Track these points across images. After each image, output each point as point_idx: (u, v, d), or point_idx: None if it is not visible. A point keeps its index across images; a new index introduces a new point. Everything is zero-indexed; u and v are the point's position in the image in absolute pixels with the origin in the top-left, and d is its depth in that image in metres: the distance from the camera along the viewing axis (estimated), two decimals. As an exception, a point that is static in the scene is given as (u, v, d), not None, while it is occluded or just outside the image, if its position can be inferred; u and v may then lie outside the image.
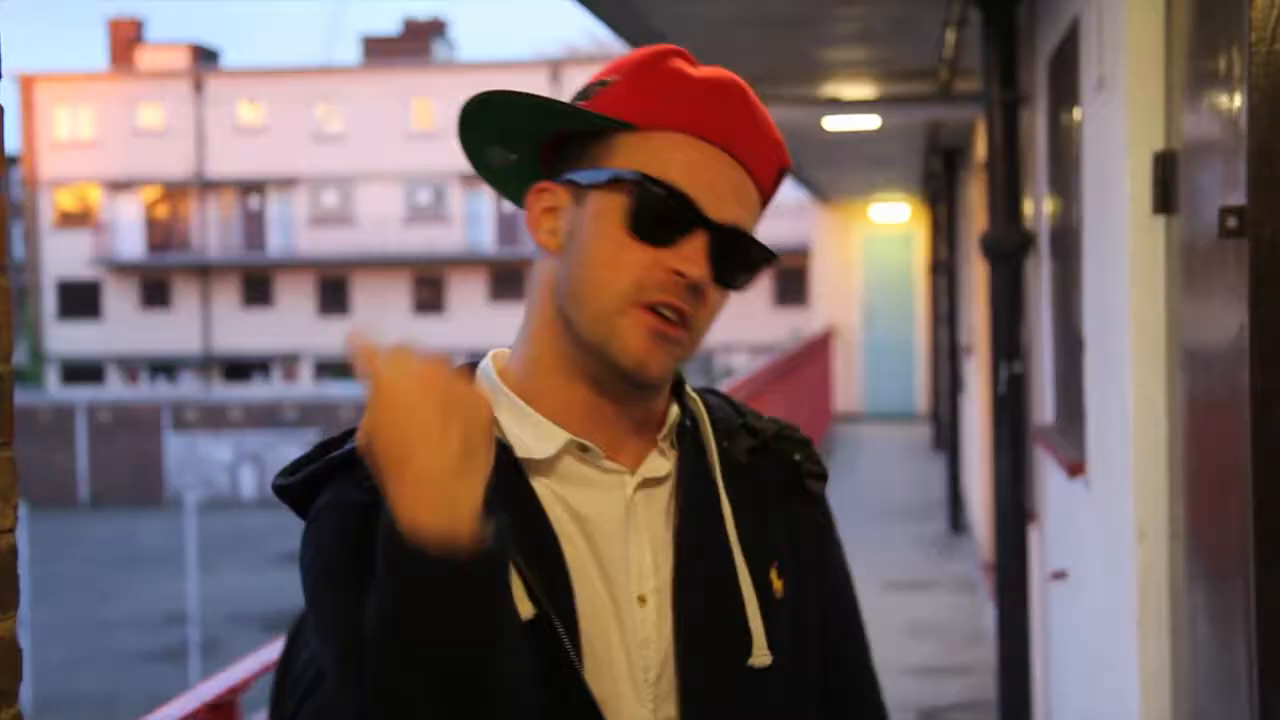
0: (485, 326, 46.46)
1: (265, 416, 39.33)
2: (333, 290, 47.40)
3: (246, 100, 47.48)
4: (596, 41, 54.95)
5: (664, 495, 1.44)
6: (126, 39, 50.30)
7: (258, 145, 47.01)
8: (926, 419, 20.50)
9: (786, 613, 1.46)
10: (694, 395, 1.50)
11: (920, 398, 22.88)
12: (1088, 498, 4.61)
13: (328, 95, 47.08)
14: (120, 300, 47.83)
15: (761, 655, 1.42)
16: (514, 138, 1.44)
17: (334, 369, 46.48)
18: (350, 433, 1.39)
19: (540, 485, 1.40)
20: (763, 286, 45.65)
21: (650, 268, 1.36)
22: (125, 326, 47.41)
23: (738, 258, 1.40)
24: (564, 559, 1.37)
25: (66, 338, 47.30)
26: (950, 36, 6.87)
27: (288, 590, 27.22)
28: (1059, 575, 5.35)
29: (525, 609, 1.32)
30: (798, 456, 1.51)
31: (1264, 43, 2.58)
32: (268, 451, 38.94)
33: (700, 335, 1.40)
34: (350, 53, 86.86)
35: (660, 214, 1.36)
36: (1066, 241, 5.35)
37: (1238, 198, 2.70)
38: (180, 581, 27.61)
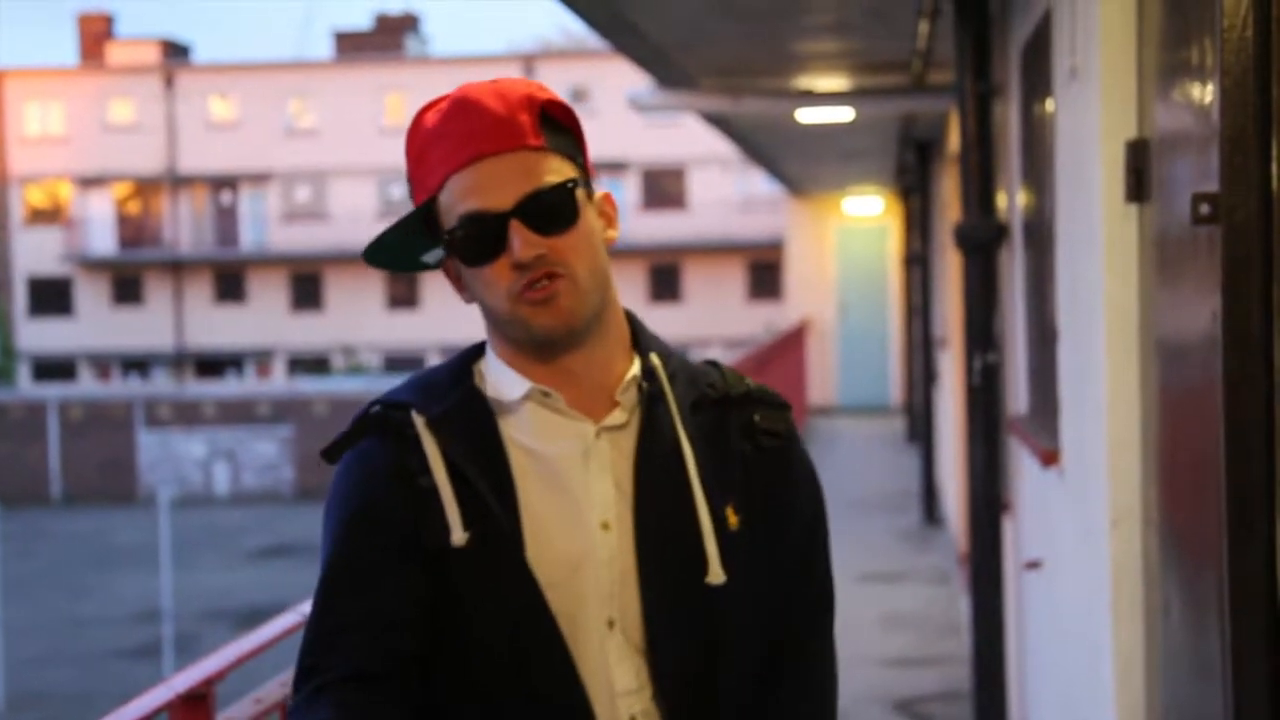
0: (458, 321, 46.38)
1: (238, 412, 39.18)
2: (306, 286, 47.25)
3: (218, 95, 47.28)
4: (569, 35, 54.92)
5: (628, 439, 1.74)
6: (96, 34, 50.02)
7: (230, 140, 46.83)
8: (901, 411, 20.55)
9: (742, 542, 1.73)
10: (656, 355, 1.77)
11: (895, 390, 22.94)
12: (1062, 487, 4.63)
13: (300, 90, 46.91)
14: (92, 297, 47.60)
15: (716, 574, 1.70)
16: (412, 248, 1.79)
17: (307, 365, 46.35)
18: (374, 402, 1.75)
19: (508, 428, 1.72)
20: (737, 280, 45.71)
21: (503, 274, 1.69)
22: (97, 323, 47.19)
23: (546, 212, 1.68)
24: (514, 487, 1.68)
25: (38, 334, 47.05)
26: (923, 28, 6.88)
27: (262, 586, 27.13)
28: (1033, 565, 5.36)
29: (458, 534, 1.65)
30: (757, 417, 1.79)
31: (1235, 29, 2.59)
32: (241, 448, 38.80)
33: (578, 272, 1.68)
34: (323, 48, 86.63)
35: (473, 240, 1.69)
36: (1040, 232, 5.36)
37: (1210, 185, 2.71)
38: (154, 578, 27.50)
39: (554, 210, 1.69)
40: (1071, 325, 4.40)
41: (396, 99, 46.67)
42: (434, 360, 42.00)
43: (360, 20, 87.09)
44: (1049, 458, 4.77)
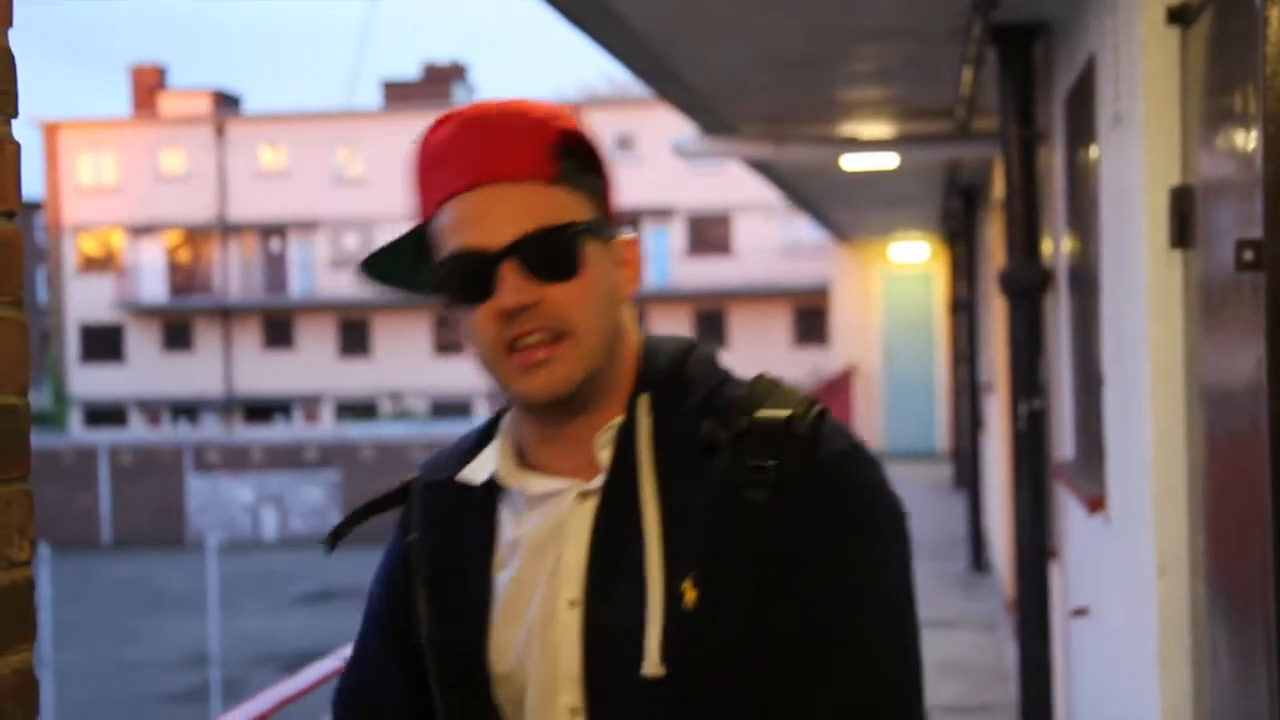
0: (506, 367, 46.55)
1: (286, 458, 39.39)
2: (353, 332, 47.53)
3: (268, 144, 47.77)
4: (614, 84, 55.22)
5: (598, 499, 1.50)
6: (149, 85, 50.69)
7: (279, 189, 47.28)
8: (948, 457, 20.44)
9: (696, 624, 1.42)
10: (645, 399, 1.51)
11: (941, 436, 22.82)
12: (1108, 534, 4.60)
13: (348, 139, 47.35)
14: (142, 343, 48.04)
15: (652, 665, 1.42)
16: (411, 270, 1.56)
17: (355, 410, 46.56)
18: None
19: (504, 513, 1.55)
20: (783, 326, 45.66)
21: (490, 320, 1.45)
22: (147, 369, 47.61)
23: (544, 256, 1.45)
24: (487, 573, 1.53)
25: (89, 380, 47.50)
26: (967, 75, 6.89)
27: (309, 631, 27.19)
28: (1080, 612, 5.32)
29: (424, 632, 1.55)
30: (747, 458, 1.44)
31: (1278, 77, 2.59)
32: (288, 492, 38.98)
33: (580, 330, 1.45)
34: (371, 97, 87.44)
35: (459, 279, 1.47)
36: (1085, 277, 5.35)
37: (1254, 231, 2.70)
38: (202, 623, 27.60)
39: (554, 255, 1.45)
40: (1116, 371, 4.38)
41: (444, 147, 47.01)
42: (481, 406, 41.97)
43: (409, 70, 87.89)
44: (1095, 504, 4.74)
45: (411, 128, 46.89)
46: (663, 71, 7.58)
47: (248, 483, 39.17)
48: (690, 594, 1.41)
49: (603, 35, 6.64)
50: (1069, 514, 5.91)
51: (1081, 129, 5.36)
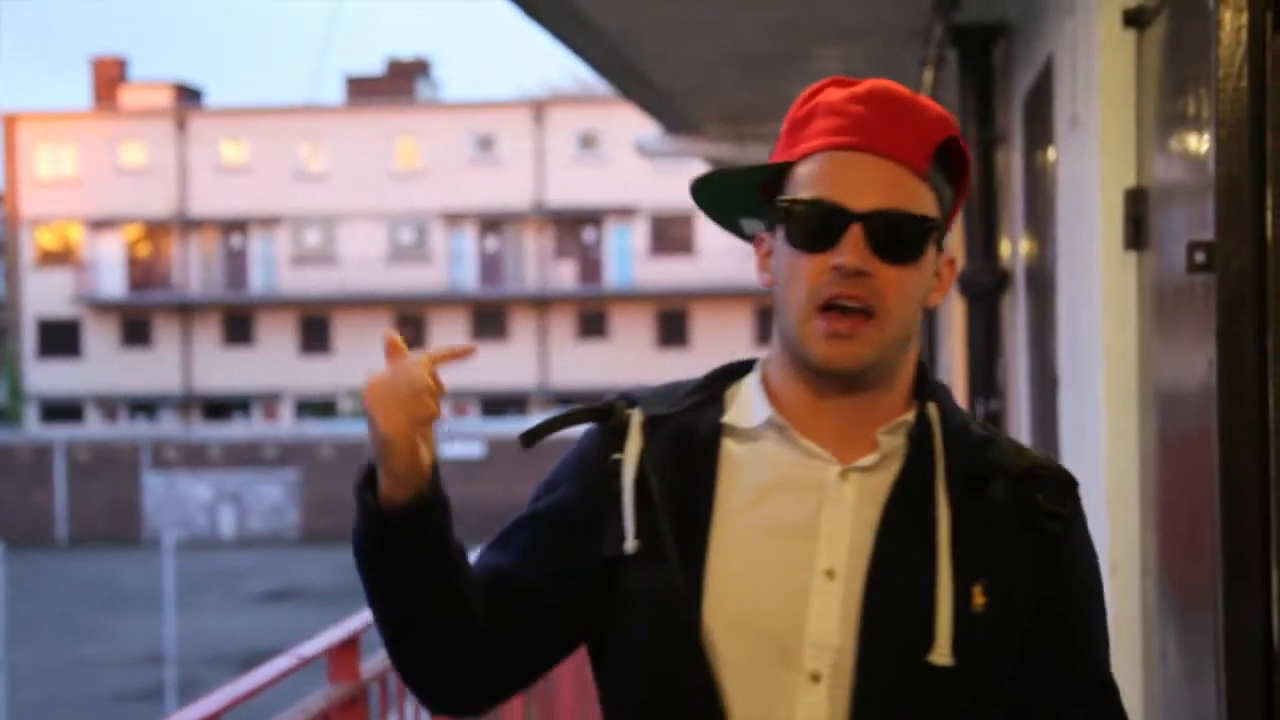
0: (466, 365, 46.34)
1: (245, 455, 39.19)
2: (314, 329, 47.35)
3: (230, 139, 47.54)
4: (579, 81, 55.19)
5: (881, 484, 1.57)
6: (110, 78, 50.35)
7: (240, 184, 47.05)
8: (907, 459, 20.48)
9: (983, 626, 1.54)
10: (935, 408, 1.60)
11: (901, 437, 22.88)
12: (1063, 535, 4.62)
13: (311, 134, 47.16)
14: (100, 339, 47.73)
15: (942, 654, 1.52)
16: (738, 201, 1.64)
17: (315, 408, 46.38)
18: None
19: (736, 453, 1.59)
20: (745, 326, 45.75)
21: (818, 272, 1.53)
22: (105, 365, 47.29)
23: (892, 235, 1.53)
24: (710, 512, 1.56)
25: (46, 376, 47.14)
26: (928, 76, 6.92)
27: (266, 630, 27.06)
28: (1035, 613, 5.35)
29: (630, 543, 1.56)
30: (1039, 497, 1.59)
31: (1230, 79, 2.61)
32: (247, 490, 38.79)
33: (890, 316, 1.54)
34: (334, 92, 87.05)
35: (808, 223, 1.54)
36: (1042, 279, 5.37)
37: (1206, 234, 2.72)
38: (158, 621, 27.43)
39: (901, 237, 1.54)
40: (1071, 372, 4.40)
41: (407, 143, 46.89)
42: (442, 404, 42.52)
43: (372, 66, 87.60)
44: (1050, 505, 4.77)
45: (375, 124, 46.90)
46: (626, 70, 7.58)
47: (205, 480, 38.96)
48: (980, 598, 1.54)
49: (566, 33, 6.64)
50: (1025, 514, 5.94)
51: (1040, 131, 5.39)
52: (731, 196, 1.64)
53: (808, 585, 1.53)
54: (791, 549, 1.54)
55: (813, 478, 1.56)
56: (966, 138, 6.25)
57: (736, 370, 1.67)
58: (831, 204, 1.53)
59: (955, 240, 10.31)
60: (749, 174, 1.62)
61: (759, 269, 1.63)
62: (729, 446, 1.59)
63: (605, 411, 1.65)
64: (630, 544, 1.56)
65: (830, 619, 1.52)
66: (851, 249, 1.52)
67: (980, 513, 1.56)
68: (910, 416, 1.59)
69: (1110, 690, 1.66)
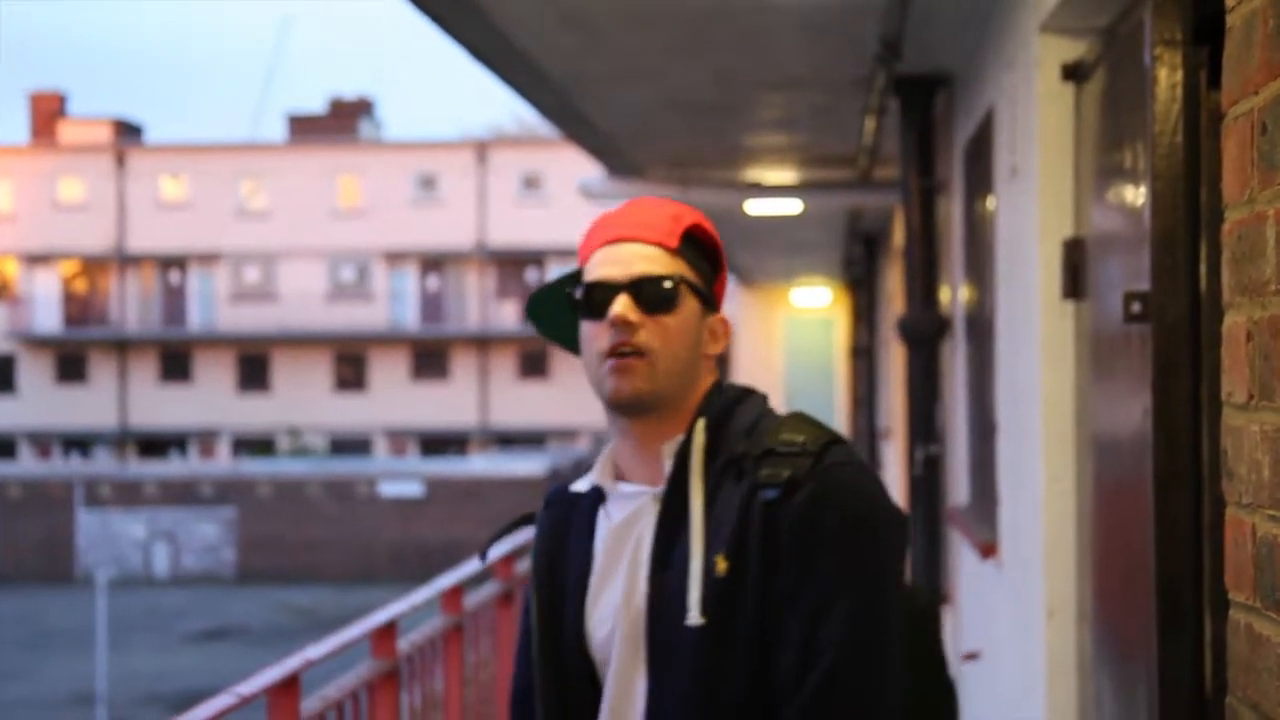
0: (407, 405, 46.18)
1: (181, 493, 38.77)
2: (253, 367, 47.01)
3: (169, 175, 47.24)
4: (522, 123, 55.29)
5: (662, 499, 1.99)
6: (48, 112, 49.95)
7: (180, 220, 46.73)
8: (846, 502, 20.51)
9: (726, 587, 1.88)
10: (704, 420, 1.97)
11: (840, 481, 22.91)
12: (1000, 578, 4.66)
13: (252, 172, 46.95)
14: (34, 374, 47.16)
15: (692, 615, 1.88)
16: (561, 311, 2.08)
17: (252, 446, 45.99)
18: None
19: (600, 512, 2.03)
20: (685, 368, 45.83)
21: (601, 332, 1.96)
22: (39, 401, 46.71)
23: (650, 292, 1.97)
24: (588, 563, 2.01)
25: (-21, 411, 46.49)
26: (870, 124, 7.00)
27: (200, 670, 26.73)
28: (971, 656, 5.38)
29: (535, 605, 2.04)
30: (764, 471, 1.90)
31: (1166, 135, 2.67)
32: (181, 528, 38.36)
33: (659, 356, 1.95)
34: (276, 131, 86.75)
35: (589, 299, 1.98)
36: (981, 326, 5.44)
37: (1142, 284, 2.77)
38: (89, 661, 27.04)
39: (658, 295, 1.96)
40: (1009, 419, 4.45)
41: (349, 181, 46.76)
42: (380, 443, 41.62)
43: (315, 104, 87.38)
44: (987, 550, 4.81)
45: (316, 161, 46.73)
46: (570, 113, 7.62)
47: (140, 518, 38.50)
48: (721, 565, 1.89)
49: (512, 75, 6.66)
50: (962, 559, 5.99)
51: (979, 180, 5.46)
52: (553, 305, 2.08)
53: (633, 591, 1.96)
54: (621, 564, 1.99)
55: (636, 508, 1.98)
56: (907, 185, 6.35)
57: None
58: (603, 281, 1.97)
59: (895, 285, 10.41)
60: (559, 282, 2.06)
61: (582, 352, 2.04)
62: (598, 508, 2.04)
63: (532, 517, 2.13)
64: (535, 604, 2.05)
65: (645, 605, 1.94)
66: (620, 307, 1.94)
67: (728, 495, 1.92)
68: (680, 437, 1.97)
69: (835, 673, 1.83)
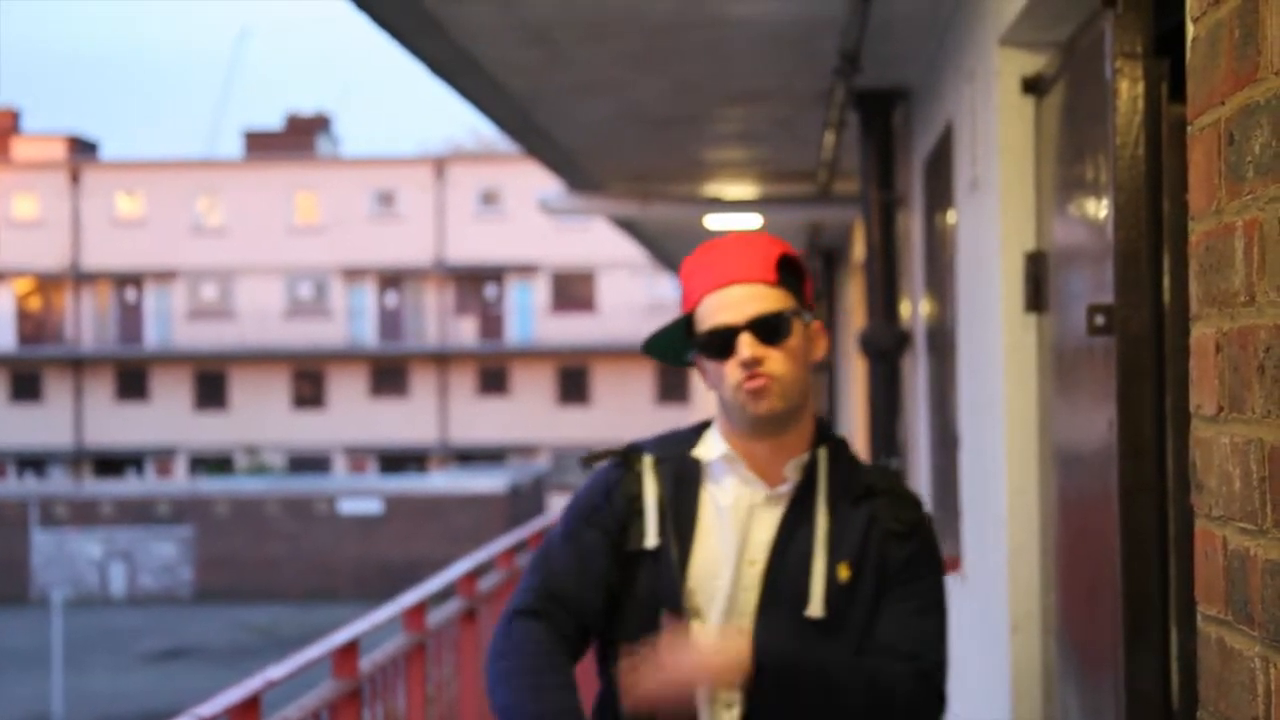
0: (366, 421, 45.98)
1: (137, 512, 38.44)
2: (210, 385, 46.71)
3: (125, 192, 46.94)
4: (480, 139, 55.24)
5: (785, 505, 2.35)
6: (1, 129, 49.56)
7: (136, 237, 46.43)
8: (807, 516, 20.57)
9: (846, 590, 2.29)
10: (826, 448, 2.37)
11: (801, 495, 22.97)
12: (964, 592, 4.66)
13: (209, 188, 46.71)
14: (-11, 393, 46.72)
15: (815, 609, 2.27)
16: (676, 343, 2.44)
17: (210, 464, 45.69)
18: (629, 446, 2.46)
19: (709, 479, 2.37)
20: (646, 384, 45.84)
21: (734, 371, 2.32)
22: (-7, 420, 46.27)
23: (766, 328, 2.32)
24: (694, 525, 2.35)
25: (-69, 431, 46.00)
26: (829, 139, 7.01)
27: (157, 691, 26.48)
28: (936, 671, 5.37)
29: (651, 540, 2.34)
30: (887, 509, 2.34)
31: (1128, 147, 2.67)
32: (138, 548, 38.04)
33: (782, 376, 2.31)
34: (233, 147, 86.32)
35: (714, 343, 2.34)
36: (942, 339, 5.44)
37: (1105, 297, 2.77)
38: (45, 681, 26.75)
39: (773, 328, 2.32)
40: (972, 432, 4.45)
41: (306, 198, 46.58)
42: (339, 461, 41.22)
43: (272, 121, 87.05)
44: (951, 564, 4.80)
45: (273, 178, 46.55)
46: (530, 127, 7.60)
47: (96, 537, 38.15)
48: (844, 572, 2.29)
49: (470, 90, 6.64)
50: (925, 572, 5.98)
51: (939, 193, 5.47)
52: (670, 343, 2.44)
53: (737, 568, 2.32)
54: (728, 544, 2.33)
55: (749, 496, 2.35)
56: (867, 199, 6.35)
57: (703, 425, 2.44)
58: (725, 326, 2.32)
59: (855, 299, 10.44)
60: (674, 327, 2.41)
61: (702, 377, 2.40)
62: (706, 475, 2.38)
63: (623, 455, 2.42)
64: (651, 540, 2.33)
65: (749, 593, 2.30)
66: (746, 347, 2.30)
67: (850, 518, 2.32)
68: (808, 455, 2.36)
69: (923, 673, 2.27)
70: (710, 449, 2.39)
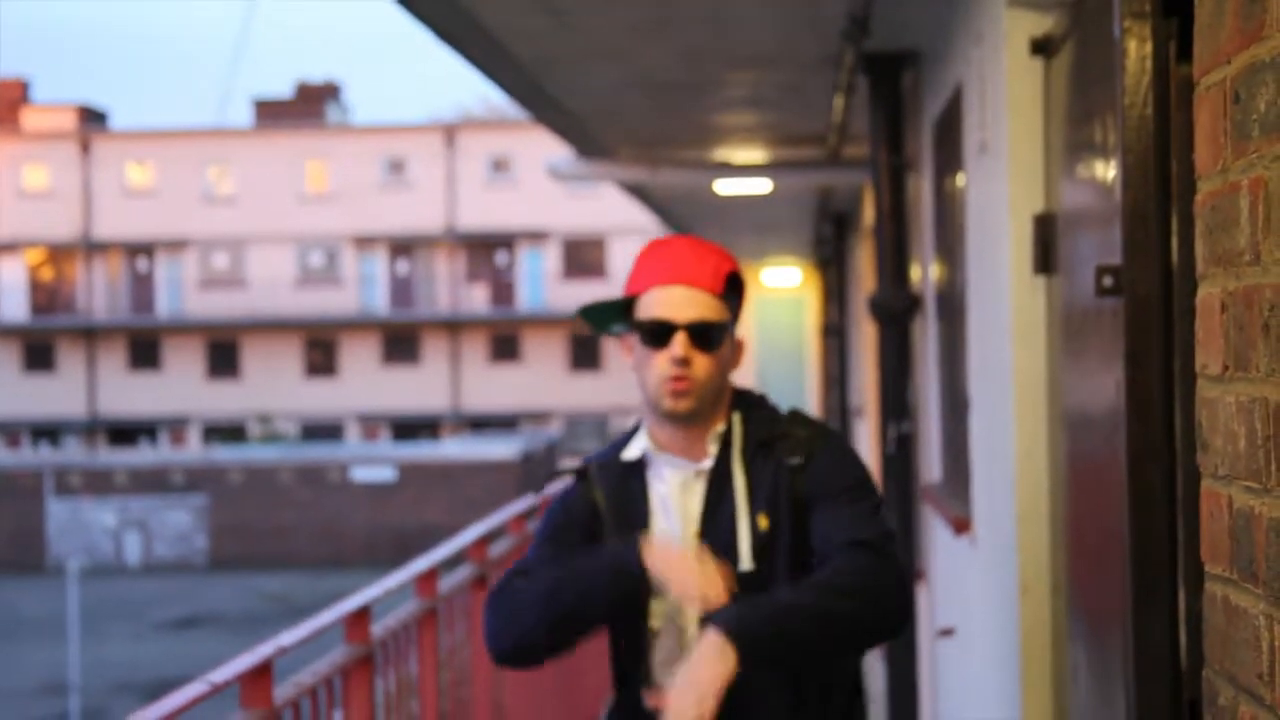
0: (377, 389, 46.07)
1: (151, 481, 38.61)
2: (222, 353, 46.82)
3: (135, 162, 46.95)
4: (490, 106, 55.13)
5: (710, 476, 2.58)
6: (11, 100, 49.55)
7: (147, 207, 46.46)
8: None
9: (767, 538, 2.50)
10: (737, 415, 2.58)
11: (812, 460, 22.94)
12: (973, 555, 4.67)
13: (219, 157, 46.70)
14: (2, 364, 46.86)
15: (744, 563, 2.48)
16: (611, 317, 2.64)
17: (223, 433, 45.82)
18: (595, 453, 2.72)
19: (650, 475, 2.60)
20: (656, 350, 45.82)
21: (662, 360, 2.53)
22: (6, 390, 46.42)
23: (703, 334, 2.53)
24: (648, 514, 2.58)
25: (-54, 401, 46.17)
26: (839, 102, 6.98)
27: (172, 658, 26.65)
28: (946, 633, 5.39)
29: (609, 537, 2.55)
30: (780, 455, 2.54)
31: (1136, 108, 2.66)
32: (153, 517, 38.21)
33: (704, 382, 2.53)
34: (243, 116, 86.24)
35: (652, 331, 2.53)
36: (952, 303, 5.43)
37: (1113, 258, 2.76)
38: (61, 650, 26.93)
39: (708, 336, 2.53)
40: (982, 395, 4.45)
41: (316, 166, 46.56)
42: (352, 429, 41.41)
43: (282, 89, 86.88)
44: (961, 526, 4.81)
45: (283, 146, 46.51)
46: (539, 94, 7.58)
47: (111, 507, 38.32)
48: (764, 521, 2.50)
49: (479, 58, 6.63)
50: (936, 535, 6.00)
51: (949, 156, 5.45)
52: (606, 315, 2.62)
53: (684, 542, 2.52)
54: (673, 521, 2.56)
55: (680, 476, 2.57)
56: (877, 163, 6.33)
57: (636, 427, 2.65)
58: (665, 320, 2.52)
59: (865, 264, 10.42)
60: (616, 304, 2.60)
61: (624, 353, 2.62)
62: (648, 468, 2.60)
63: (579, 470, 2.65)
64: (609, 537, 2.53)
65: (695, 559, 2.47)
66: (682, 346, 2.51)
67: (763, 468, 2.53)
68: (723, 426, 2.58)
69: (859, 543, 2.41)
70: (635, 447, 2.60)
